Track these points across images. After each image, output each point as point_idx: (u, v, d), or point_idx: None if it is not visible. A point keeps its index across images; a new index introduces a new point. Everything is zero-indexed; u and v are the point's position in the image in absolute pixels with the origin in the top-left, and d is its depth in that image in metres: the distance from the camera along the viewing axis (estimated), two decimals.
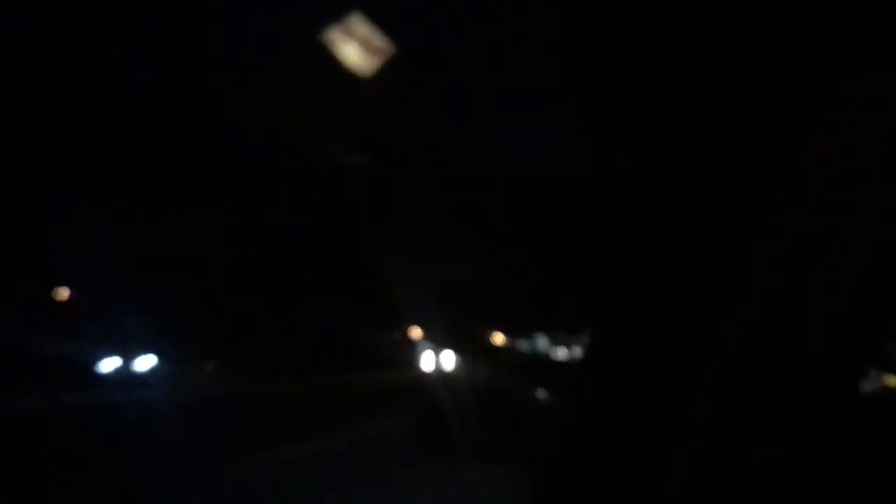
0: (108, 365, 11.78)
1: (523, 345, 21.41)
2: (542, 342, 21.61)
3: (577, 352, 18.67)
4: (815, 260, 1.13)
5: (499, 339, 21.45)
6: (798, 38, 1.14)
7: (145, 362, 12.26)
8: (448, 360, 17.49)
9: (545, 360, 17.18)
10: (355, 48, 9.54)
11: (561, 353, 19.70)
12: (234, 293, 13.86)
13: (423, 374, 16.52)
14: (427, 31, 11.63)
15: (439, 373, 16.54)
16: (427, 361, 17.89)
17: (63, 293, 13.60)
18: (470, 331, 18.94)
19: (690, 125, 1.23)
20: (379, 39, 9.35)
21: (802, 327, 1.14)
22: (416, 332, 19.30)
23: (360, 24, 9.24)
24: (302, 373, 13.02)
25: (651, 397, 1.19)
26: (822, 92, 1.13)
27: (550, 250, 16.02)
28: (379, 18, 9.34)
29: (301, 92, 11.79)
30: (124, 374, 11.79)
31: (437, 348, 17.66)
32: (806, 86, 1.13)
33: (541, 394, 10.56)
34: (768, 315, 1.14)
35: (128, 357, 12.01)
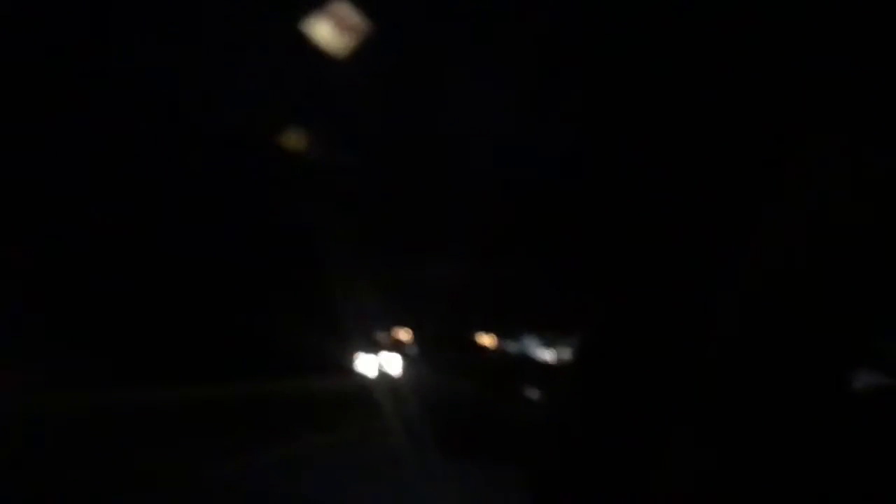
0: None
1: (511, 346, 21.09)
2: (530, 343, 21.41)
3: (565, 354, 18.33)
4: (807, 261, 1.12)
5: (486, 339, 21.15)
6: (793, 47, 1.15)
7: None
8: (393, 363, 16.06)
9: (531, 362, 16.48)
10: (330, 27, 8.88)
11: (548, 355, 19.24)
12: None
13: (363, 382, 14.90)
14: (411, 19, 10.97)
15: (384, 379, 15.07)
16: (368, 365, 16.34)
17: None
18: (450, 331, 18.30)
19: (684, 128, 1.24)
20: (355, 17, 8.67)
21: (794, 327, 1.13)
22: (403, 334, 18.71)
23: (335, 3, 8.69)
24: (181, 380, 10.69)
25: (643, 396, 1.20)
26: (819, 91, 1.12)
27: (542, 250, 15.71)
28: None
29: (275, 82, 11.15)
30: None
31: (381, 350, 16.34)
32: (802, 90, 1.13)
33: (532, 394, 10.19)
34: (761, 315, 1.13)
35: None
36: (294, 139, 12.82)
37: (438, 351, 16.08)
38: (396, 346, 17.52)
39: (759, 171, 1.15)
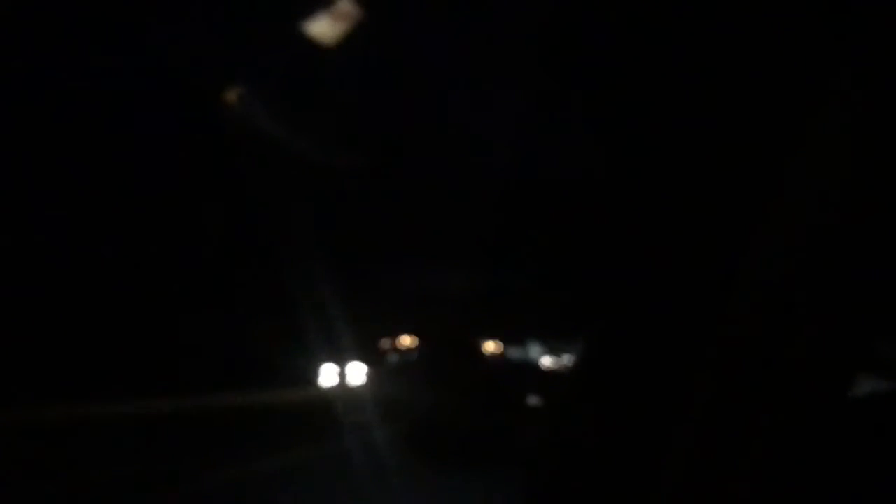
0: None
1: (515, 352, 21.02)
2: (535, 349, 21.35)
3: (567, 360, 18.13)
4: (808, 262, 1.10)
5: (491, 346, 21.05)
6: (792, 38, 1.12)
7: None
8: (357, 373, 15.14)
9: (533, 370, 16.26)
10: (324, 18, 8.72)
11: (551, 362, 19.05)
12: None
13: (318, 393, 13.91)
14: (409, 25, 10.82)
15: (343, 390, 14.24)
16: (328, 375, 15.35)
17: None
18: (453, 337, 18.08)
19: (685, 127, 1.22)
20: (349, 5, 8.49)
21: (795, 331, 1.11)
22: (403, 340, 18.51)
23: None
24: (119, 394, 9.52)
25: (644, 402, 1.19)
26: (817, 91, 1.09)
27: (543, 255, 15.62)
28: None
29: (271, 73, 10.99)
30: None
31: (342, 358, 15.37)
32: (800, 86, 1.11)
33: (532, 400, 10.11)
34: (761, 319, 1.12)
35: None
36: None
37: (437, 359, 15.69)
38: (383, 354, 17.14)
39: (757, 172, 1.12)
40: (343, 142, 13.55)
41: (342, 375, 15.17)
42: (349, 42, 9.03)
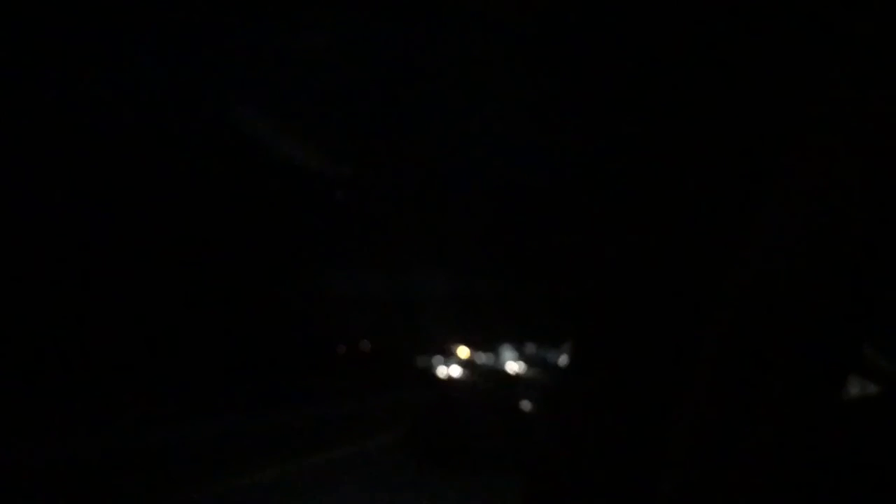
0: None
1: (484, 358, 20.92)
2: (508, 354, 21.25)
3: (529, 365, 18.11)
4: (799, 265, 1.12)
5: (462, 351, 20.97)
6: (786, 47, 1.14)
7: None
8: None
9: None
10: None
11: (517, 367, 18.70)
12: None
13: None
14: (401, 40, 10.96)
15: None
16: None
17: None
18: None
19: (673, 129, 1.23)
20: None
21: (787, 333, 1.13)
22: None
23: None
24: None
25: (635, 405, 1.22)
26: (811, 97, 1.11)
27: (528, 259, 15.68)
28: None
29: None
30: None
31: None
32: (794, 90, 1.13)
33: (525, 405, 10.13)
34: (752, 321, 1.14)
35: None
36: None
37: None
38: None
39: (753, 174, 1.13)
40: (331, 151, 13.61)
41: None
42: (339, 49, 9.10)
